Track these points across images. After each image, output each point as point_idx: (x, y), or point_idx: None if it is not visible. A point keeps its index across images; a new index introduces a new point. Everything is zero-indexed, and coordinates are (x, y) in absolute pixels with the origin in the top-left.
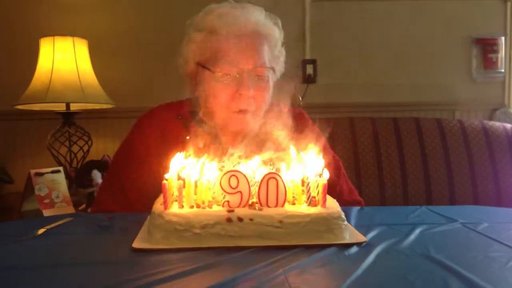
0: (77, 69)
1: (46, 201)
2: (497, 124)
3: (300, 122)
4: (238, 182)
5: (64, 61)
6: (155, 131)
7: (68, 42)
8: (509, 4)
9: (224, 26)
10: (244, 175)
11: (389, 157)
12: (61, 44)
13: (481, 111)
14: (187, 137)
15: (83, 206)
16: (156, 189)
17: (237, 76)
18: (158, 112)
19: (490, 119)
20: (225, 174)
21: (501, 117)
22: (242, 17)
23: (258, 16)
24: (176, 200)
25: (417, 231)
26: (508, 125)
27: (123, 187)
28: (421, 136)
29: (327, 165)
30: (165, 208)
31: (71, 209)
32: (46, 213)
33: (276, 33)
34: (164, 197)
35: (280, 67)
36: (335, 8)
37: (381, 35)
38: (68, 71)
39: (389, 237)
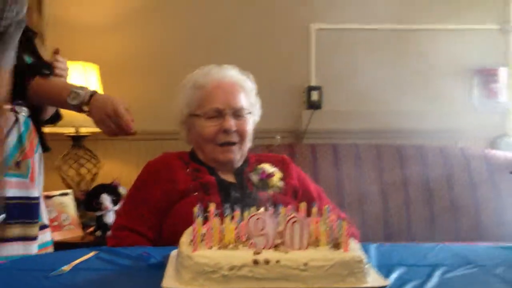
0: None
1: (55, 223)
2: (499, 153)
3: (283, 164)
4: (264, 224)
5: None
6: (161, 164)
7: (78, 67)
8: (508, 35)
9: (208, 80)
10: (271, 218)
11: (393, 185)
12: (71, 69)
13: (483, 140)
14: (187, 170)
15: (92, 229)
16: (165, 205)
17: (220, 115)
18: (162, 155)
19: (492, 147)
20: (251, 217)
21: (503, 145)
22: (221, 72)
23: (233, 71)
24: (203, 240)
25: (437, 274)
26: (509, 154)
27: (137, 206)
28: (425, 163)
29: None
30: (194, 249)
31: (79, 232)
32: (55, 235)
33: (249, 84)
34: (194, 238)
35: (257, 112)
36: (340, 36)
37: (385, 63)
38: None
39: (410, 280)
